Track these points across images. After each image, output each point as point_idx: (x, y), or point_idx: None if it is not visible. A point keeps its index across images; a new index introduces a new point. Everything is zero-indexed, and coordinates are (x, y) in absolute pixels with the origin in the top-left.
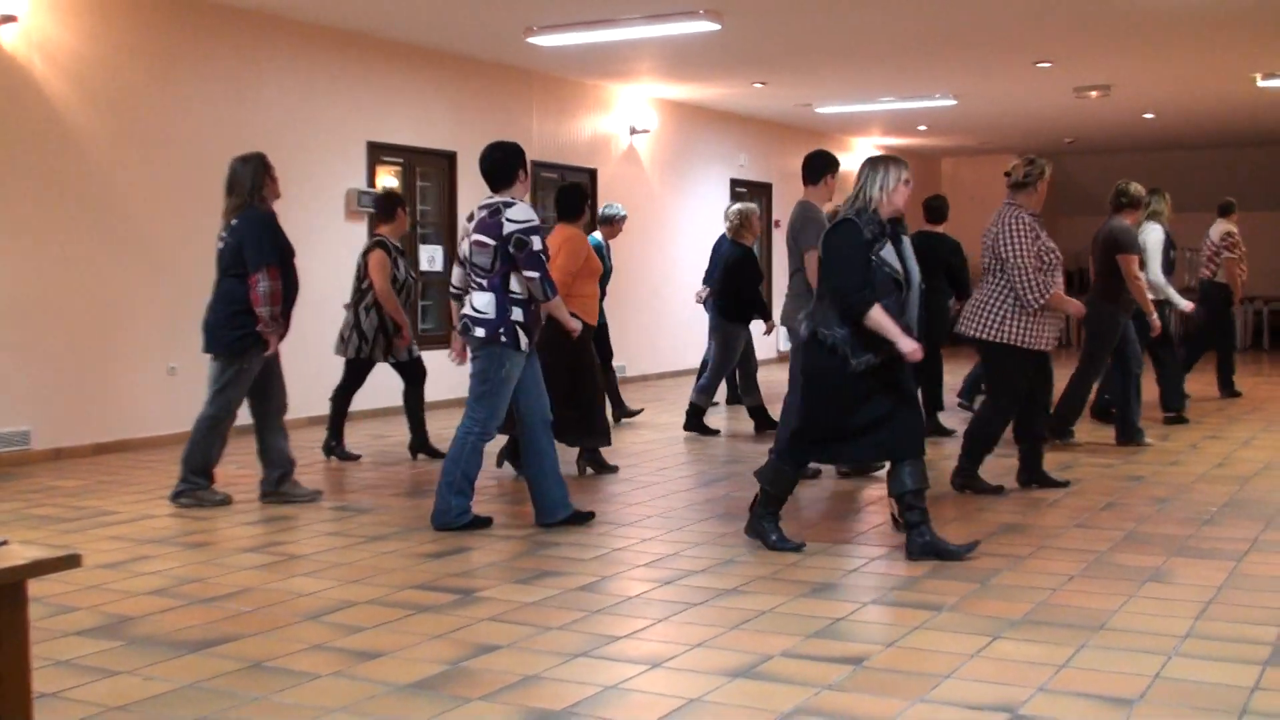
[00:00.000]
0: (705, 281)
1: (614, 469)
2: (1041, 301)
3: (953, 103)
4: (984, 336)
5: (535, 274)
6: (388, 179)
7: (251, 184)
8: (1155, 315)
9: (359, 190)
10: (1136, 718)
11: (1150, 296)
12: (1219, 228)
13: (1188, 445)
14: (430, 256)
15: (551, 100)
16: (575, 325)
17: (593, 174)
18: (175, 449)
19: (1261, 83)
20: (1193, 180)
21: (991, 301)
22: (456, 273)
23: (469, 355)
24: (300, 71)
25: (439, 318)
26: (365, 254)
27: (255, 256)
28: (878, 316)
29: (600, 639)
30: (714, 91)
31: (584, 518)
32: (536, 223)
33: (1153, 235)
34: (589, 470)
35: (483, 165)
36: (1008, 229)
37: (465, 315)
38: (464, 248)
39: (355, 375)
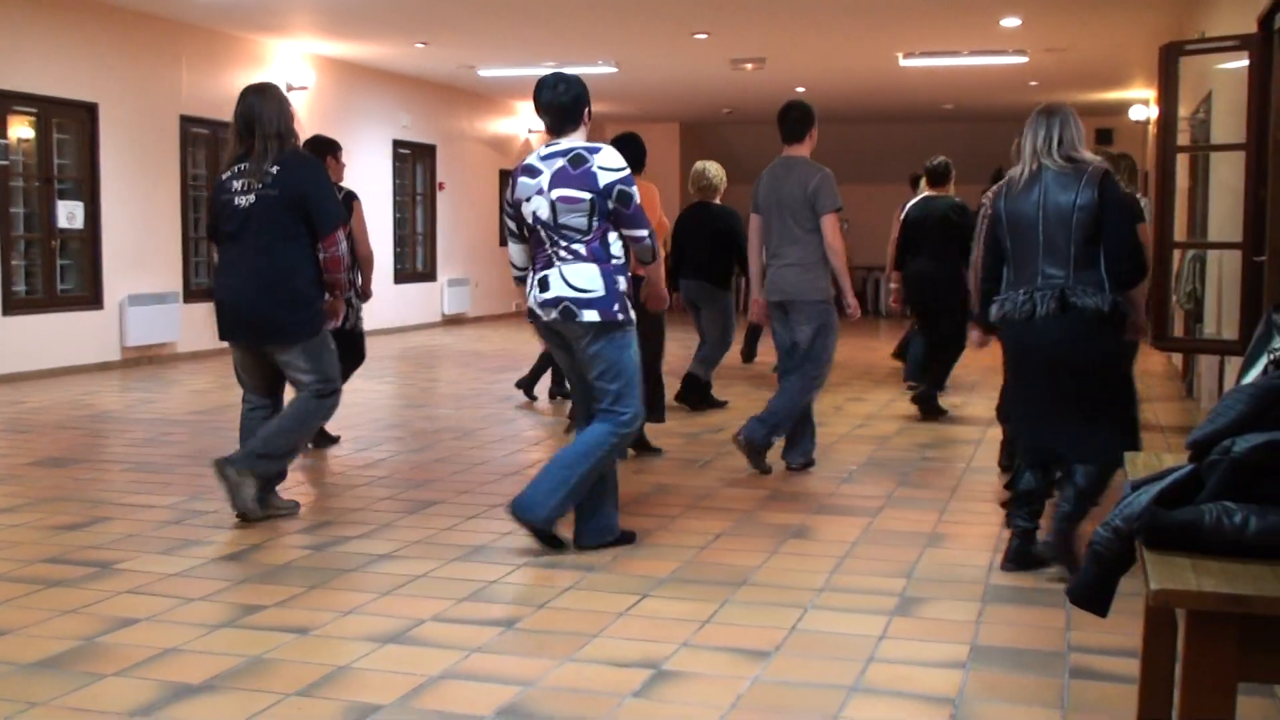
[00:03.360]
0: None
1: (658, 450)
2: None
3: (614, 70)
4: None
5: (644, 232)
6: (22, 130)
7: (280, 120)
8: None
9: None
10: (772, 668)
11: None
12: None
13: (832, 407)
14: (70, 213)
15: (202, 53)
16: (665, 294)
17: None
18: None
19: (904, 62)
20: (843, 154)
21: None
22: (516, 249)
23: (587, 346)
24: None
25: (79, 278)
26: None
27: (332, 211)
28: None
29: (245, 609)
30: (375, 50)
31: (629, 537)
32: (629, 171)
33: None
34: (630, 451)
35: (545, 101)
36: None
37: (561, 297)
38: (535, 209)
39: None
